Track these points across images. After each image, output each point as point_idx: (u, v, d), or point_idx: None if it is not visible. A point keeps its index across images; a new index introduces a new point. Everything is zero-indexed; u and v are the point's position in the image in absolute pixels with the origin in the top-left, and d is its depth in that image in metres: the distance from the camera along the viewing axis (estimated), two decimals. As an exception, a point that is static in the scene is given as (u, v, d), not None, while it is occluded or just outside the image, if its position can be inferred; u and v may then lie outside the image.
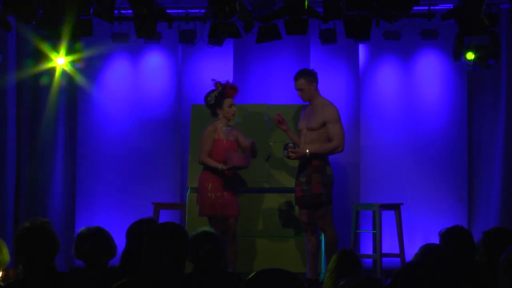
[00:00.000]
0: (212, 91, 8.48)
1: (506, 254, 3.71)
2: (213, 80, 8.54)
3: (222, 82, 8.50)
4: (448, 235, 5.00)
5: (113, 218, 9.93)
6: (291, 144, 8.38)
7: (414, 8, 8.48)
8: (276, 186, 9.16)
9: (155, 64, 10.36)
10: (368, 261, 9.47)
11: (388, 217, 9.35)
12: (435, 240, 5.06)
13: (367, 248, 9.79)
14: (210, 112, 8.57)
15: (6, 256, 4.87)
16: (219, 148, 8.36)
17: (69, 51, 9.48)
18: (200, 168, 9.14)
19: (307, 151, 8.28)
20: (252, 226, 9.01)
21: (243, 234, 8.75)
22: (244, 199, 8.66)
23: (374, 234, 9.22)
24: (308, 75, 8.50)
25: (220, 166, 8.27)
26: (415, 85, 10.21)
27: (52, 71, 9.71)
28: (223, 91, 8.42)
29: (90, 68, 10.25)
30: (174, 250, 3.91)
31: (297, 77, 8.53)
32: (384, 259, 9.07)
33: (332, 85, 9.96)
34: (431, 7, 9.46)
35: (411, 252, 5.25)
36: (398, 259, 9.18)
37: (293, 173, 8.84)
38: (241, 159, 8.26)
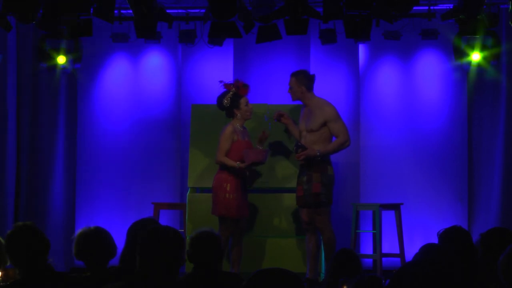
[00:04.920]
0: (225, 93, 8.44)
1: (504, 256, 3.71)
2: (220, 81, 8.51)
3: (231, 82, 8.49)
4: (446, 235, 5.00)
5: (113, 218, 9.93)
6: (299, 144, 8.37)
7: (414, 8, 8.49)
8: (277, 186, 9.15)
9: (155, 64, 10.36)
10: (368, 261, 9.47)
11: (388, 217, 9.35)
12: (435, 240, 5.05)
13: (367, 248, 9.78)
14: (212, 111, 8.56)
15: (6, 256, 4.88)
16: (239, 149, 8.33)
17: (69, 51, 9.48)
18: (200, 168, 9.13)
19: (318, 152, 8.28)
20: (253, 226, 9.00)
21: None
22: (244, 199, 8.66)
23: (374, 234, 9.22)
24: (300, 77, 8.49)
25: (237, 164, 8.26)
26: (415, 85, 10.21)
27: (52, 71, 9.72)
28: (237, 91, 8.41)
29: (90, 68, 10.25)
30: (168, 254, 3.91)
31: (291, 74, 8.57)
32: (384, 259, 9.07)
33: (332, 85, 9.96)
34: (431, 7, 9.46)
35: (411, 252, 5.25)
36: (398, 259, 9.18)
37: (293, 173, 8.84)
38: (259, 154, 8.27)
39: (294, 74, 8.55)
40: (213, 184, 8.39)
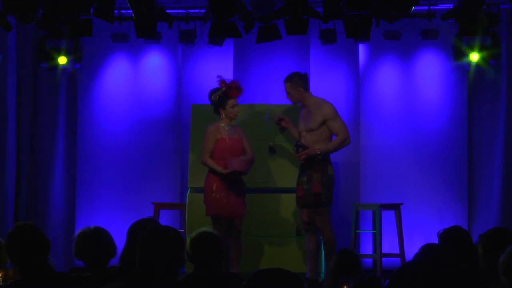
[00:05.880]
0: (217, 89, 8.43)
1: (504, 255, 3.71)
2: (218, 76, 8.49)
3: (227, 81, 8.47)
4: (446, 235, 4.99)
5: (113, 218, 9.93)
6: (299, 143, 8.34)
7: (414, 8, 8.49)
8: (277, 186, 9.15)
9: (155, 64, 10.36)
10: (368, 261, 9.47)
11: (388, 217, 9.35)
12: (435, 240, 5.05)
13: (367, 248, 9.78)
14: (212, 111, 8.55)
15: (6, 256, 4.89)
16: (222, 147, 8.33)
17: (69, 51, 9.48)
18: (200, 168, 9.13)
19: (318, 150, 8.27)
20: (252, 226, 9.01)
21: (243, 234, 8.74)
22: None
23: (374, 234, 9.22)
24: (295, 80, 8.46)
25: (220, 169, 8.26)
26: (415, 85, 10.21)
27: (52, 71, 9.71)
28: (227, 91, 8.39)
29: (90, 68, 10.25)
30: (168, 254, 3.91)
31: (285, 80, 8.53)
32: (384, 259, 9.07)
33: (332, 85, 9.96)
34: (431, 7, 9.46)
35: (411, 252, 5.25)
36: (398, 259, 9.18)
37: (293, 173, 8.84)
38: (242, 164, 8.23)
39: (288, 79, 8.51)
40: (204, 184, 8.41)
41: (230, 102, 8.37)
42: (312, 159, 8.30)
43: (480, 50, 9.21)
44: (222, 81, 8.44)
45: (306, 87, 8.49)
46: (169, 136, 10.26)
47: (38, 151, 10.22)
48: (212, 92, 8.43)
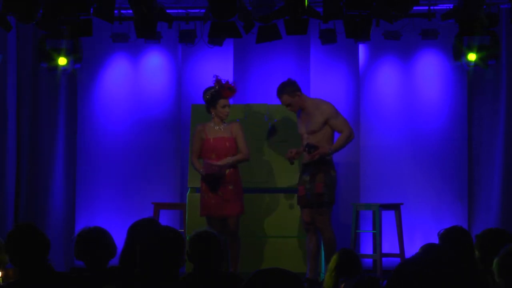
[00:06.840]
0: (210, 88, 8.44)
1: (498, 258, 3.72)
2: (214, 76, 8.49)
3: (222, 81, 8.45)
4: (447, 235, 5.00)
5: (113, 218, 9.93)
6: (310, 144, 8.30)
7: (414, 8, 8.49)
8: (277, 186, 9.15)
9: (155, 64, 10.36)
10: (368, 261, 9.47)
11: (388, 217, 9.35)
12: (435, 240, 5.06)
13: (367, 248, 9.78)
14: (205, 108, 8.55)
15: (6, 256, 4.89)
16: (206, 148, 8.37)
17: (69, 51, 9.48)
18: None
19: (329, 150, 8.28)
20: (252, 226, 9.01)
21: (243, 234, 8.74)
22: (245, 199, 8.66)
23: (374, 234, 9.22)
24: (289, 89, 8.40)
25: (200, 171, 8.31)
26: (415, 85, 10.21)
27: (52, 71, 9.71)
28: (220, 91, 8.38)
29: (90, 68, 10.26)
30: (168, 255, 3.92)
31: (279, 95, 8.45)
32: (384, 259, 9.07)
33: (332, 85, 9.96)
34: (431, 7, 9.46)
35: (411, 252, 5.26)
36: (398, 259, 9.17)
37: (293, 173, 8.84)
38: (209, 167, 8.23)
39: (282, 92, 8.41)
40: None
41: (221, 101, 8.36)
42: (323, 159, 8.29)
43: (480, 50, 9.21)
44: (217, 81, 8.44)
45: (300, 90, 8.48)
46: (169, 136, 10.26)
47: (38, 151, 10.22)
48: (206, 90, 8.44)
